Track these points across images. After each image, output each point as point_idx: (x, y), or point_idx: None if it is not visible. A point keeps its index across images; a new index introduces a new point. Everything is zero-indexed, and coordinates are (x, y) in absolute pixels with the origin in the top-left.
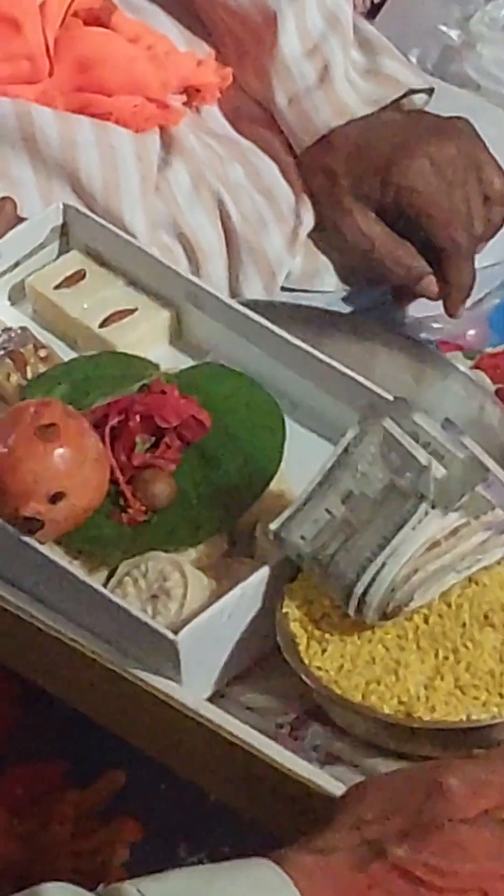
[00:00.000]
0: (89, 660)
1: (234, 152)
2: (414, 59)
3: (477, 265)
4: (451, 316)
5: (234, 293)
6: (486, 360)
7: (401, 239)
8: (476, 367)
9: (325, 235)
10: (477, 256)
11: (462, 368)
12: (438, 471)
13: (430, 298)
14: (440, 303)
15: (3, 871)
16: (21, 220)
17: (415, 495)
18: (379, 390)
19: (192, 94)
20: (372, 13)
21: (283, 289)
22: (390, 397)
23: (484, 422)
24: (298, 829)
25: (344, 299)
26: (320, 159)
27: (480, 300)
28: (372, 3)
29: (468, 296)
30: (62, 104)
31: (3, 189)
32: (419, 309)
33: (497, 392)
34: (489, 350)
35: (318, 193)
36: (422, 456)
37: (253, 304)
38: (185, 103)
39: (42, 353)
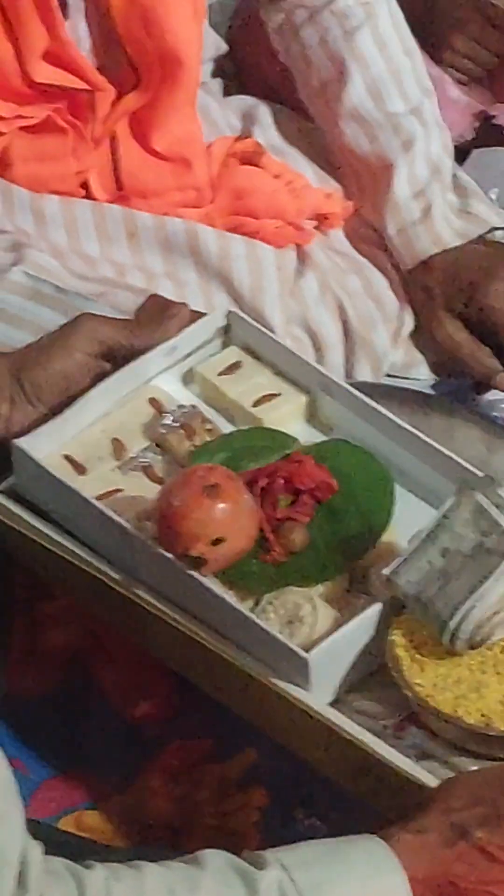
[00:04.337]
0: (236, 668)
1: (353, 267)
2: (493, 197)
3: None
4: None
5: (348, 376)
6: None
7: (481, 344)
8: None
9: (422, 337)
10: None
11: None
12: None
13: (501, 390)
14: None
15: (160, 826)
16: (193, 317)
17: (498, 553)
18: (471, 467)
19: (321, 220)
20: (461, 157)
21: (387, 375)
22: (481, 474)
23: None
24: (396, 809)
25: (433, 385)
26: (420, 279)
27: None
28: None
29: None
30: (221, 225)
31: (173, 289)
32: (492, 393)
33: None
34: None
35: (417, 304)
36: None
37: (363, 386)
38: (316, 227)
39: (207, 426)
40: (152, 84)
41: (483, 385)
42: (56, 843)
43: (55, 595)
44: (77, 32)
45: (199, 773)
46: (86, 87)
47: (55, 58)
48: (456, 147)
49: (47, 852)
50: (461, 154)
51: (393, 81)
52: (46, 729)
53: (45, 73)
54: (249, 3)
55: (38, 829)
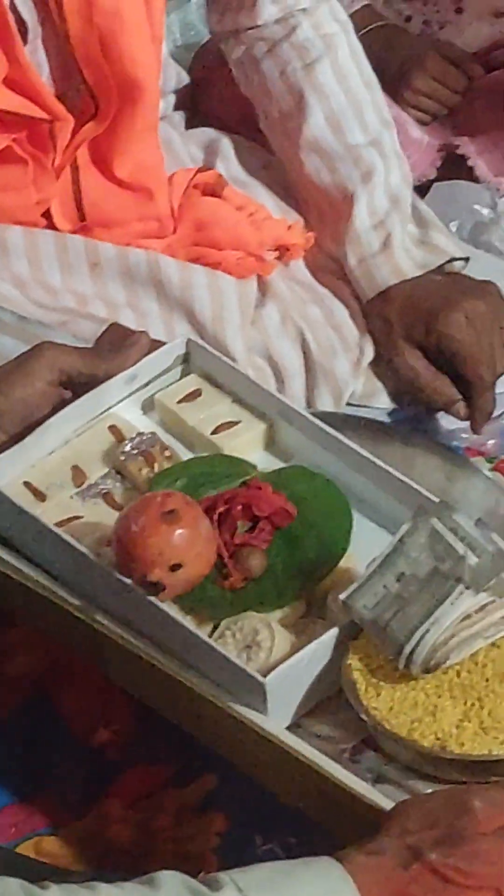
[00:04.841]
0: (195, 693)
1: (313, 297)
2: (454, 229)
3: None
4: (475, 432)
5: (309, 405)
6: (502, 464)
7: (439, 373)
8: (494, 469)
9: (382, 366)
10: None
11: (483, 470)
12: (472, 560)
13: (459, 419)
14: None
15: (118, 852)
16: (154, 346)
17: (453, 578)
18: (428, 494)
19: (282, 251)
20: (422, 189)
21: (348, 404)
22: (436, 500)
23: (499, 513)
24: (352, 832)
25: (392, 413)
26: (380, 309)
27: (498, 416)
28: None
29: (489, 417)
30: (182, 255)
31: (135, 319)
32: (451, 422)
33: None
34: None
35: (377, 334)
36: (460, 548)
37: (324, 415)
38: (277, 258)
39: (167, 453)
40: (111, 110)
41: (433, 409)
42: (13, 866)
43: (15, 621)
44: (36, 58)
45: (158, 799)
46: (45, 116)
47: (15, 84)
48: (418, 185)
49: (5, 875)
50: (423, 189)
51: (352, 113)
52: (6, 754)
53: (6, 100)
54: (213, 41)
55: None
